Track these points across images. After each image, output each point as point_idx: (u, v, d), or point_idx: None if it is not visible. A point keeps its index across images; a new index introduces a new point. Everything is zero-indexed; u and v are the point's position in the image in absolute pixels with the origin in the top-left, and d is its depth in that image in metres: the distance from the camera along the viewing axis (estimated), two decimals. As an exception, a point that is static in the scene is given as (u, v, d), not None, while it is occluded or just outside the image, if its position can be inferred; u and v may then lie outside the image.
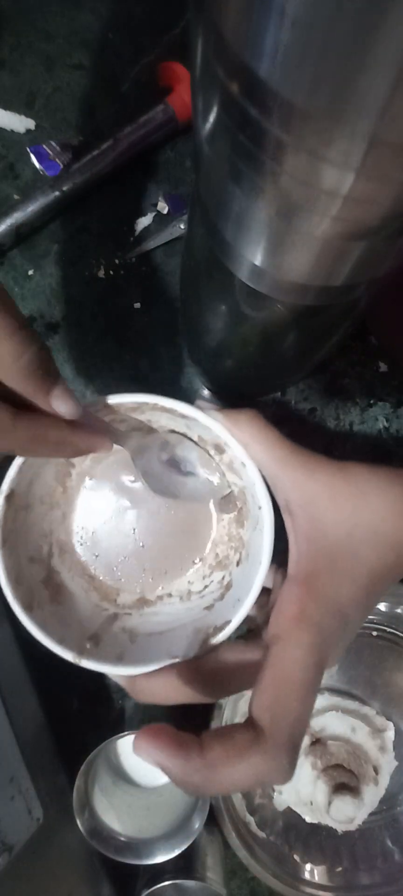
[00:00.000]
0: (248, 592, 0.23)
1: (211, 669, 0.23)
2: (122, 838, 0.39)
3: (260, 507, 0.24)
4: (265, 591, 0.24)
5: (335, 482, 0.22)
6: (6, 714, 0.34)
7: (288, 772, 0.18)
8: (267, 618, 0.23)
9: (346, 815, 0.38)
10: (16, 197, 0.36)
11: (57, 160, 0.35)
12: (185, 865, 0.39)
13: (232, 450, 0.24)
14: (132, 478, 0.30)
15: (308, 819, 0.41)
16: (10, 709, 0.34)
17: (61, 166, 0.35)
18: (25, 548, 0.26)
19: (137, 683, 0.23)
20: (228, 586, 0.27)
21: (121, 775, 0.43)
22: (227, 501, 0.28)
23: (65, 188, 0.35)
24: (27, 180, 0.36)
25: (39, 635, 0.23)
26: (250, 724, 0.19)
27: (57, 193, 0.35)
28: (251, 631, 0.26)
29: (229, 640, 0.24)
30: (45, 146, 0.35)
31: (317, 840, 0.42)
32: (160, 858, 0.38)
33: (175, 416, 0.25)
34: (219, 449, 0.26)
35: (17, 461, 0.23)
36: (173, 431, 0.28)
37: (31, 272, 0.36)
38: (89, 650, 0.24)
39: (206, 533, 0.30)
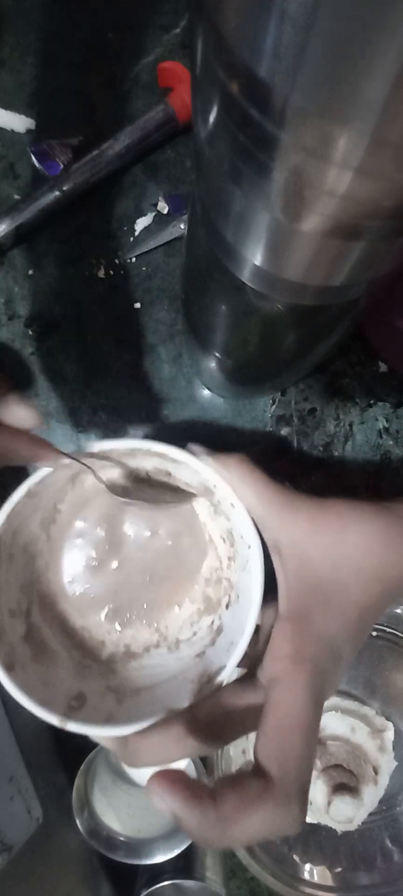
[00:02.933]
0: (242, 634, 0.23)
1: (209, 718, 0.22)
2: (122, 838, 0.39)
3: (249, 547, 0.23)
4: (254, 630, 0.24)
5: (317, 518, 0.22)
6: (6, 714, 0.34)
7: (299, 819, 0.18)
8: (257, 656, 0.23)
9: (345, 815, 0.38)
10: (16, 197, 0.36)
11: (57, 160, 0.35)
12: (185, 865, 0.39)
13: (221, 491, 0.24)
14: (115, 525, 0.29)
15: (307, 819, 0.41)
16: (10, 709, 0.34)
17: (61, 166, 0.35)
18: (7, 600, 0.24)
19: (130, 744, 0.21)
20: (218, 630, 0.26)
21: (120, 775, 0.43)
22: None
23: (65, 188, 0.35)
24: (27, 180, 0.36)
25: (21, 698, 0.22)
26: (259, 771, 0.18)
27: (57, 193, 0.35)
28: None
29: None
30: (45, 146, 0.35)
31: (317, 840, 0.42)
32: (159, 858, 0.38)
33: (165, 460, 0.25)
34: (207, 492, 0.26)
35: (6, 508, 0.23)
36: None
37: (31, 272, 0.36)
38: (75, 712, 0.23)
39: (195, 574, 0.30)
